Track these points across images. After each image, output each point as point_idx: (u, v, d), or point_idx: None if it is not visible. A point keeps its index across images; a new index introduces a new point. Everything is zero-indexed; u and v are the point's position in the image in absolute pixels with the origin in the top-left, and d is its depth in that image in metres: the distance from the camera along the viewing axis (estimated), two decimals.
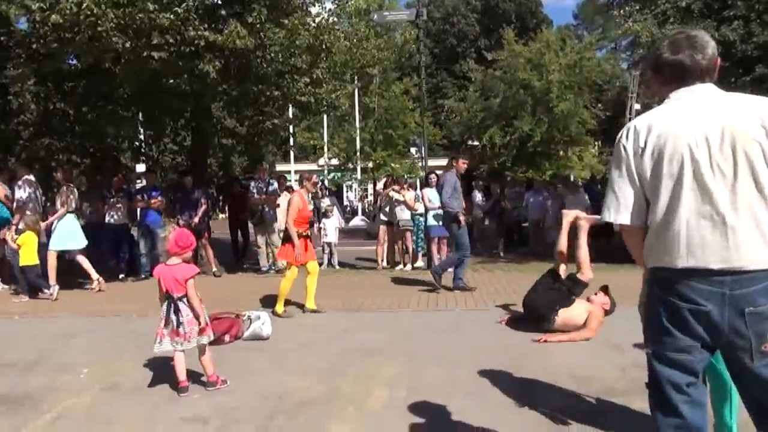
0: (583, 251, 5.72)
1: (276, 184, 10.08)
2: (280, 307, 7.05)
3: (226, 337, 5.60)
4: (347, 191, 36.17)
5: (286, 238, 6.69)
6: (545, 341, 5.38)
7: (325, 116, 25.69)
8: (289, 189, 12.83)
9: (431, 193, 10.25)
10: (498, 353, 5.15)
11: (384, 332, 6.05)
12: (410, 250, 10.73)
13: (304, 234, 6.82)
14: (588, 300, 5.76)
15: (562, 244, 5.84)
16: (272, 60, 10.07)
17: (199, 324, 4.31)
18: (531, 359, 4.97)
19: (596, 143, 30.06)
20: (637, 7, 9.82)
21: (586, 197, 12.64)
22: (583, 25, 50.57)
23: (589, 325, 5.43)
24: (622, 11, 9.91)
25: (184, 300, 4.28)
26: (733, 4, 9.41)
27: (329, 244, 11.59)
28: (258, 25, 9.59)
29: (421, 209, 11.23)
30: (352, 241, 16.09)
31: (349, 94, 13.84)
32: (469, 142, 32.91)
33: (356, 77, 13.97)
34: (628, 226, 2.36)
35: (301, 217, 6.72)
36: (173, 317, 4.23)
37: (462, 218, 8.53)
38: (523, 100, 26.53)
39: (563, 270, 5.81)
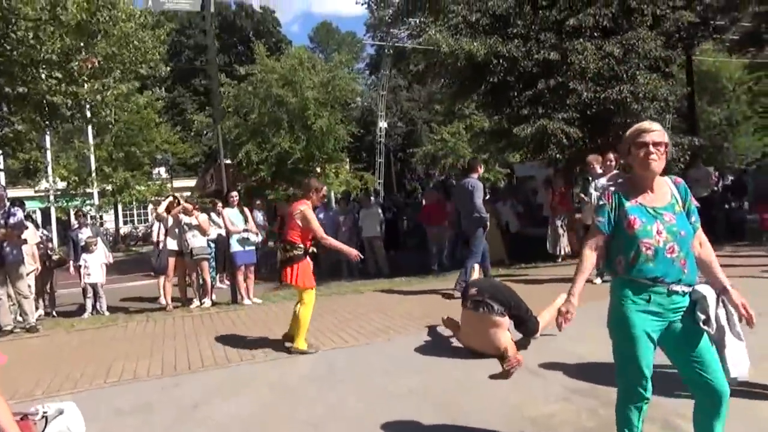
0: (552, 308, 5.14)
1: (20, 214, 7.27)
2: (303, 343, 5.47)
3: None
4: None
5: (294, 259, 5.41)
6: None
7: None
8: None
9: (233, 214, 8.73)
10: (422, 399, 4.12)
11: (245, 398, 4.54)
12: (207, 282, 8.99)
13: (311, 252, 5.62)
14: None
15: None
16: (20, 42, 7.30)
17: None
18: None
19: (349, 160, 30.99)
20: (431, 19, 9.90)
21: (379, 211, 12.38)
22: (319, 48, 52.41)
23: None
24: (418, 21, 9.88)
25: None
26: (514, 23, 10.05)
27: (93, 285, 9.13)
28: None
29: (214, 234, 9.57)
30: (119, 276, 13.28)
31: (122, 95, 11.18)
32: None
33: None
34: None
35: (308, 231, 5.56)
36: None
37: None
38: (279, 116, 25.96)
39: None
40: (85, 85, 9.11)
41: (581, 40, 9.75)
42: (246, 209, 9.08)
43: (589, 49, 9.67)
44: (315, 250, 5.82)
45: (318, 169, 27.94)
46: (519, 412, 3.73)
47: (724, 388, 2.58)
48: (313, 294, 5.63)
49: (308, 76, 26.01)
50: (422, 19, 9.93)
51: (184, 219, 8.74)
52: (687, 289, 2.56)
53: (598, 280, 7.87)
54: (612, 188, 2.69)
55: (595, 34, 9.98)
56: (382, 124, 28.35)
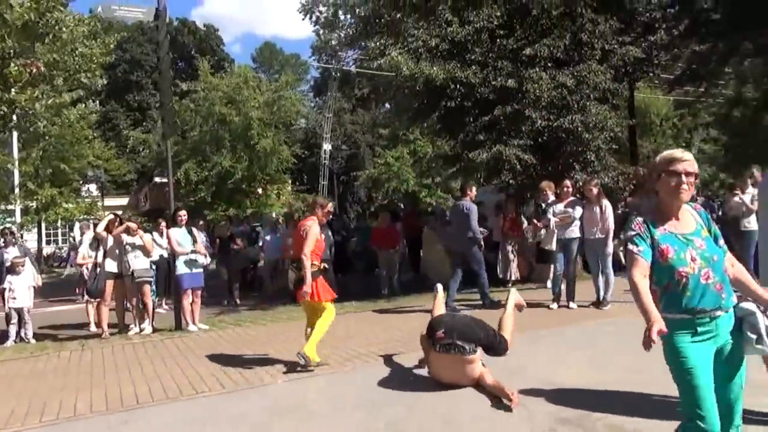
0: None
1: None
2: (313, 351, 5.31)
3: None
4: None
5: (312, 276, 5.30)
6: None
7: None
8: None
9: (180, 234, 8.20)
10: None
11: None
12: (149, 307, 8.36)
13: (321, 270, 5.50)
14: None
15: None
16: None
17: None
18: None
19: (292, 181, 30.56)
20: (391, 41, 9.83)
21: (329, 233, 12.04)
22: (263, 68, 51.85)
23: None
24: (377, 43, 9.79)
25: None
26: (472, 50, 10.13)
27: (19, 311, 8.32)
28: None
29: (156, 255, 8.98)
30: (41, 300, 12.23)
31: (61, 105, 10.33)
32: (158, 179, 29.96)
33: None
34: None
35: (318, 249, 5.53)
36: None
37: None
38: (221, 135, 25.33)
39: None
40: (27, 92, 8.32)
41: (536, 69, 9.93)
42: (194, 229, 8.58)
43: (544, 78, 9.86)
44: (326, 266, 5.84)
45: (259, 190, 27.36)
46: None
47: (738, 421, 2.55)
48: (333, 306, 5.60)
49: (253, 95, 25.58)
50: (382, 41, 9.85)
51: (127, 239, 8.15)
52: (728, 311, 2.49)
53: (554, 306, 7.90)
54: (641, 218, 2.59)
55: (549, 64, 10.19)
56: (327, 146, 28.13)
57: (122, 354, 6.69)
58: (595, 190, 7.67)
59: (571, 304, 7.83)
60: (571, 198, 7.96)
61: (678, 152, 2.56)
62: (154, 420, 4.31)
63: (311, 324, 5.54)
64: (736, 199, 7.99)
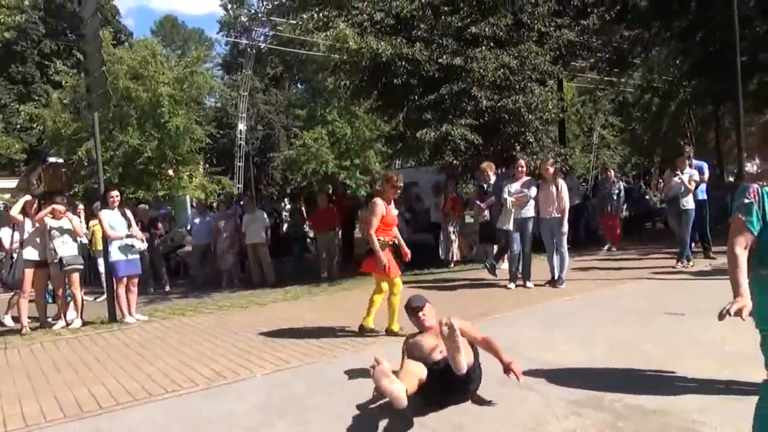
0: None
1: None
2: (371, 321, 5.75)
3: None
4: None
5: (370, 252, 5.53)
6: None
7: None
8: None
9: (113, 217, 7.37)
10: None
11: None
12: (77, 298, 7.49)
13: (390, 243, 5.61)
14: None
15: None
16: None
17: None
18: None
19: (205, 162, 29.03)
20: (335, 13, 9.35)
21: (265, 216, 11.48)
22: (164, 43, 48.81)
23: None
24: (321, 14, 9.27)
25: None
26: (417, 26, 9.90)
27: None
28: None
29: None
30: None
31: None
32: (52, 159, 27.46)
33: None
34: None
35: (385, 224, 5.55)
36: None
37: None
38: (126, 112, 23.53)
39: None
40: None
41: (481, 48, 9.88)
42: (128, 211, 7.77)
43: (489, 57, 9.83)
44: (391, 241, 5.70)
45: (170, 172, 25.78)
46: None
47: None
48: (400, 281, 5.74)
49: (161, 70, 23.91)
50: (325, 13, 9.35)
51: (52, 223, 7.24)
52: None
53: (512, 285, 7.94)
54: (757, 185, 2.48)
55: (491, 44, 10.18)
56: (242, 126, 26.95)
57: (57, 352, 5.92)
58: (551, 170, 7.74)
59: (528, 283, 7.91)
60: (526, 178, 8.00)
61: None
62: (134, 423, 3.77)
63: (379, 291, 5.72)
64: (676, 179, 8.38)
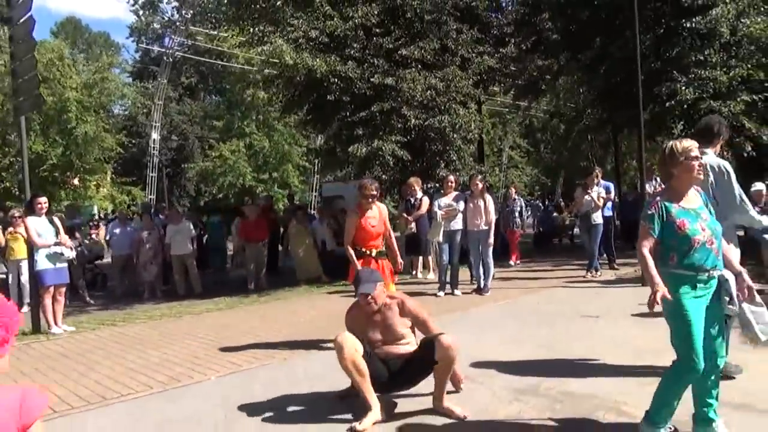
0: None
1: None
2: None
3: None
4: None
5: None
6: None
7: None
8: None
9: (40, 224, 7.09)
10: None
11: None
12: None
13: (367, 253, 5.33)
14: None
15: None
16: None
17: None
18: None
19: (113, 172, 27.74)
20: (270, 29, 9.53)
21: (191, 227, 11.34)
22: (66, 45, 46.22)
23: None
24: (257, 29, 9.40)
25: None
26: (350, 45, 10.28)
27: None
28: None
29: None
30: None
31: None
32: None
33: None
34: None
35: (363, 235, 5.35)
36: None
37: None
38: (28, 116, 22.18)
39: None
40: None
41: (411, 70, 10.42)
42: (56, 219, 7.51)
43: (417, 79, 10.38)
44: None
45: (75, 181, 24.50)
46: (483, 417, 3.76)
47: (720, 363, 3.11)
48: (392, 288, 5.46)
49: (69, 74, 22.83)
50: (260, 28, 9.50)
51: None
52: (718, 273, 3.03)
53: (441, 293, 8.41)
54: (658, 198, 3.07)
55: (419, 66, 10.75)
56: (155, 136, 26.10)
57: None
58: (480, 185, 8.32)
59: (456, 291, 8.40)
60: (455, 192, 8.53)
61: (695, 143, 3.08)
62: (96, 426, 3.78)
63: None
64: (587, 197, 9.24)
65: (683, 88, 11.47)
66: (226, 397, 4.27)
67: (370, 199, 5.37)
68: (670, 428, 3.20)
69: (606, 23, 12.29)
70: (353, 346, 3.63)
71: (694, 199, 3.12)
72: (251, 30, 9.50)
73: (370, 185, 5.42)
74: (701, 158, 3.07)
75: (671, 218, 3.01)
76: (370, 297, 3.95)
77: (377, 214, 5.46)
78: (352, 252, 5.36)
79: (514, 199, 12.64)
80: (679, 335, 3.02)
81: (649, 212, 3.05)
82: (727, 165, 4.01)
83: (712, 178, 3.95)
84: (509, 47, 12.27)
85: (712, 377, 3.10)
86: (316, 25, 10.07)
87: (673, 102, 11.53)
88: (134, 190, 26.32)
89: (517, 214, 12.33)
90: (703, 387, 3.10)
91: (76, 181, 24.53)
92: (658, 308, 2.95)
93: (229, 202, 27.95)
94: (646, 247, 3.03)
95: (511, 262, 11.79)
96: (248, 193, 27.34)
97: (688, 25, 11.60)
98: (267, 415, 3.87)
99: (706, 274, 2.99)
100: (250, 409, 3.98)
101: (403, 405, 3.93)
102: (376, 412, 3.60)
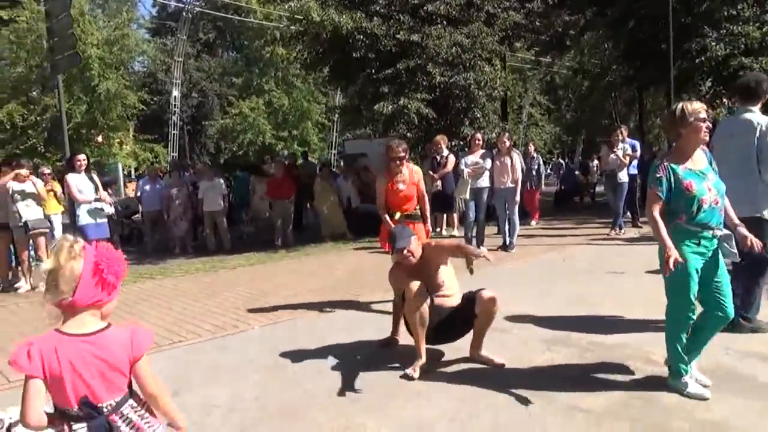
0: None
1: None
2: None
3: None
4: None
5: None
6: None
7: None
8: None
9: (80, 181, 7.35)
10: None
11: None
12: (25, 262, 7.40)
13: (400, 216, 5.08)
14: None
15: None
16: None
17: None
18: None
19: (135, 130, 27.93)
20: None
21: (223, 184, 11.56)
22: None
23: None
24: None
25: (131, 404, 1.79)
26: (375, 1, 10.21)
27: None
28: None
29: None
30: None
31: None
32: None
33: None
34: None
35: (393, 199, 5.14)
36: None
37: None
38: (50, 74, 22.35)
39: None
40: None
41: (437, 26, 10.34)
42: (94, 175, 7.76)
43: (443, 35, 10.31)
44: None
45: (99, 138, 24.79)
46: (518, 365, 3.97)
47: (731, 311, 3.30)
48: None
49: (90, 31, 22.81)
50: None
51: (14, 186, 7.15)
52: (721, 232, 3.22)
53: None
54: (665, 161, 3.21)
55: (445, 22, 10.66)
56: (176, 93, 26.18)
57: (38, 311, 5.98)
58: (507, 143, 8.38)
59: (482, 248, 8.55)
60: (482, 150, 8.60)
61: (703, 105, 3.19)
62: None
63: None
64: (612, 156, 9.26)
65: (714, 44, 11.25)
66: (273, 345, 4.53)
67: (398, 162, 5.07)
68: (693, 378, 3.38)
69: None
70: (425, 296, 3.83)
71: (700, 159, 3.25)
72: None
73: (397, 147, 5.10)
74: (708, 121, 3.16)
75: (679, 180, 3.15)
76: (406, 251, 4.12)
77: (407, 177, 5.19)
78: (386, 217, 5.16)
79: (533, 157, 12.37)
80: (673, 282, 3.20)
81: (657, 175, 3.20)
82: None
83: (757, 134, 4.03)
84: (536, 2, 12.06)
85: (721, 325, 3.32)
86: None
87: (703, 58, 11.33)
88: (157, 147, 26.56)
89: (534, 173, 12.05)
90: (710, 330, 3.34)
91: (99, 139, 24.83)
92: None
93: (249, 159, 28.13)
94: (656, 210, 3.19)
95: (533, 222, 11.80)
96: (268, 150, 27.51)
97: None
98: (315, 361, 4.13)
99: (711, 232, 3.17)
100: (297, 356, 4.23)
101: (441, 354, 4.15)
102: (423, 359, 3.83)
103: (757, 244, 3.29)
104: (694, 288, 3.19)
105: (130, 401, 1.80)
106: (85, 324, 1.73)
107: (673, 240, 3.11)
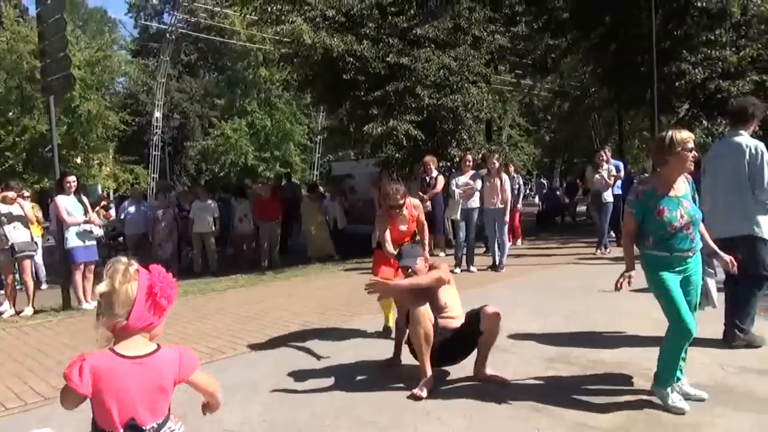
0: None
1: None
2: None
3: None
4: None
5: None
6: None
7: None
8: None
9: (69, 203, 7.24)
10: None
11: None
12: (29, 285, 7.27)
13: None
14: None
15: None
16: None
17: None
18: None
19: (115, 151, 27.69)
20: (288, 8, 9.59)
21: (215, 206, 11.48)
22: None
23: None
24: (276, 8, 9.45)
25: (170, 426, 1.78)
26: (365, 24, 10.35)
27: None
28: None
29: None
30: None
31: None
32: None
33: None
34: None
35: (394, 236, 4.95)
36: None
37: None
38: (29, 94, 22.19)
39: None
40: None
41: (425, 49, 10.51)
42: (84, 198, 7.66)
43: (431, 58, 10.48)
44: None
45: (78, 160, 24.54)
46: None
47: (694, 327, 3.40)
48: None
49: (72, 52, 22.69)
50: (278, 7, 9.56)
51: (1, 209, 7.02)
52: (694, 254, 3.39)
53: (458, 270, 8.62)
54: (641, 187, 3.41)
55: (433, 45, 10.84)
56: (158, 114, 26.07)
57: (30, 337, 5.85)
58: (497, 164, 8.49)
59: (472, 268, 8.62)
60: (472, 171, 8.70)
61: (691, 135, 3.32)
62: None
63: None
64: (597, 176, 9.44)
65: (692, 68, 11.61)
66: (273, 367, 4.49)
67: (398, 210, 4.85)
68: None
69: (616, 1, 12.36)
70: (430, 318, 3.86)
71: (680, 186, 3.38)
72: (268, 8, 9.55)
73: (395, 194, 4.78)
74: (695, 151, 3.30)
75: (652, 205, 3.29)
76: (410, 270, 4.16)
77: (407, 217, 5.02)
78: (389, 248, 4.82)
79: (513, 177, 11.81)
80: (666, 306, 3.34)
81: (631, 198, 3.41)
82: (762, 147, 4.19)
83: (747, 157, 4.17)
84: (520, 26, 12.34)
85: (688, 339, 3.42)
86: (333, 4, 10.13)
87: (682, 82, 11.66)
88: (137, 168, 26.34)
89: (515, 193, 11.64)
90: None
91: (78, 160, 24.58)
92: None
93: (230, 180, 28.02)
94: (629, 231, 3.41)
95: (519, 242, 11.85)
96: (250, 171, 27.42)
97: (699, 4, 11.68)
98: (319, 382, 4.10)
99: (681, 255, 3.32)
100: (300, 378, 4.20)
101: (447, 374, 4.15)
102: (431, 379, 3.83)
103: (735, 264, 3.58)
104: (680, 299, 3.30)
105: (170, 423, 1.80)
106: (137, 346, 1.73)
107: (649, 265, 3.35)
